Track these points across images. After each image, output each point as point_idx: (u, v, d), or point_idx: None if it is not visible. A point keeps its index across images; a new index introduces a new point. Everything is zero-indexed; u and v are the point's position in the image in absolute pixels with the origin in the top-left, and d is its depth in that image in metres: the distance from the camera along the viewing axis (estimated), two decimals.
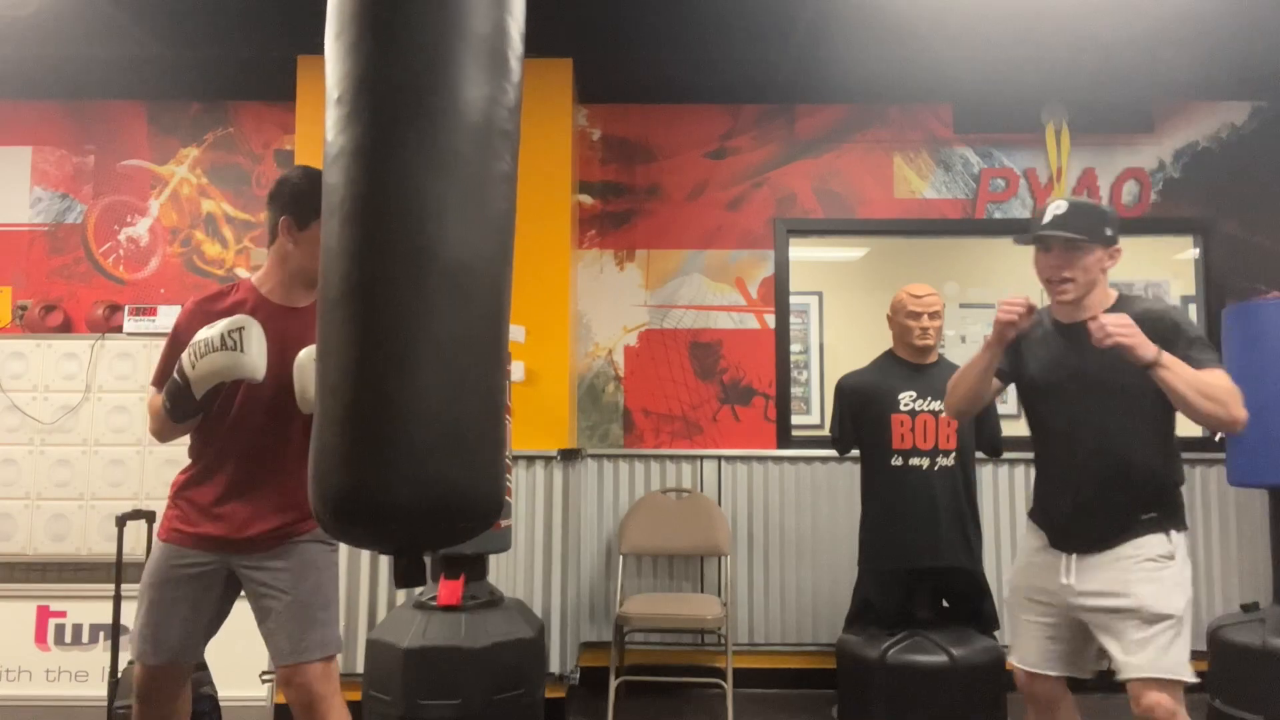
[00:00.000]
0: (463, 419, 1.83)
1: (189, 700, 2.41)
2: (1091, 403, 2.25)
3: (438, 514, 1.81)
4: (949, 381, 2.49)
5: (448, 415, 1.81)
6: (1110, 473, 2.23)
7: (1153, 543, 2.18)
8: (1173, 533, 2.20)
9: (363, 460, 1.77)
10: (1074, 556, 2.25)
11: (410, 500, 1.77)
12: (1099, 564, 2.21)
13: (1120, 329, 2.09)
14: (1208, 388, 2.09)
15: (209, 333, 2.13)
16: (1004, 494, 4.25)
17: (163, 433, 2.33)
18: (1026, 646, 2.35)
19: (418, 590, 3.61)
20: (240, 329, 2.12)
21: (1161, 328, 2.15)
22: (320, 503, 1.86)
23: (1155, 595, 2.13)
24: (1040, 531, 2.36)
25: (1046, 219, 2.26)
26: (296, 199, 2.28)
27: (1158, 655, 2.10)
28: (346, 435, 1.80)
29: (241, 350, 2.11)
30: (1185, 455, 2.37)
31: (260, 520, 2.26)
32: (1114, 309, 2.24)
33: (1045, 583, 2.30)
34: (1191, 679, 2.13)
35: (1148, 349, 2.09)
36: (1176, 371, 2.09)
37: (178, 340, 2.27)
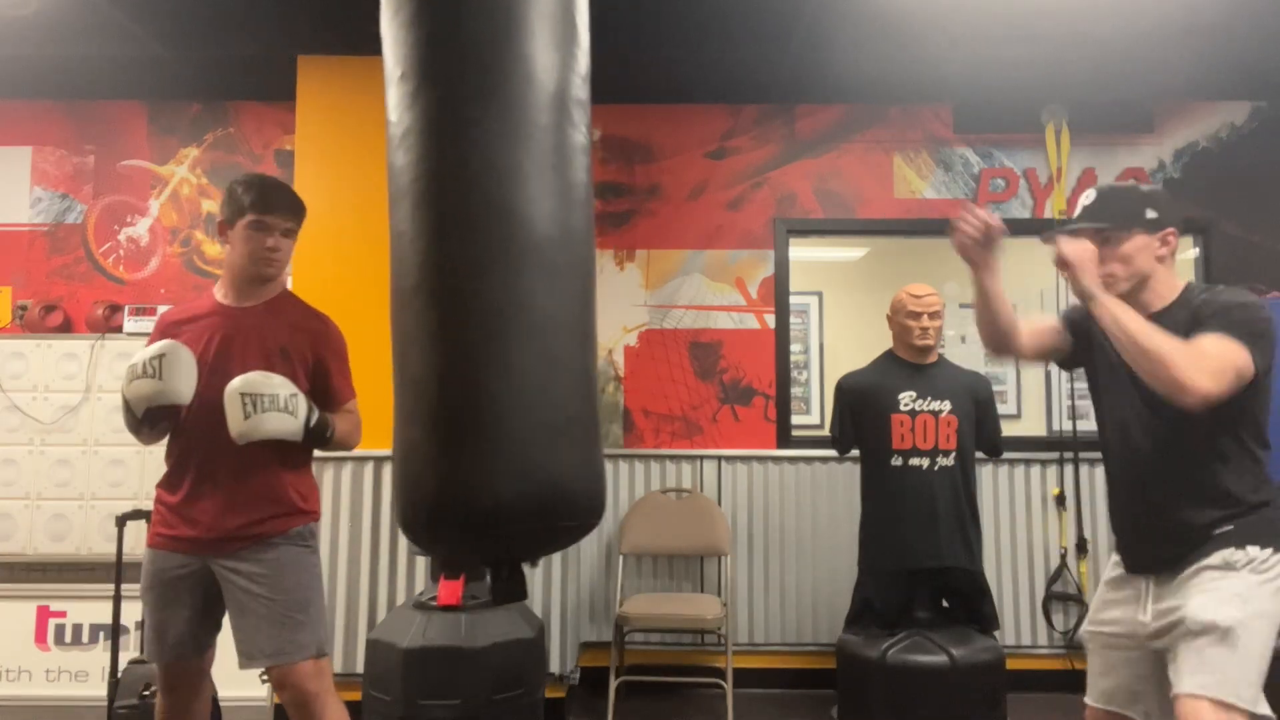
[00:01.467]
0: (561, 406, 1.67)
1: (209, 692, 2.47)
2: (1150, 403, 1.98)
3: (542, 514, 1.65)
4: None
5: (546, 403, 1.65)
6: (1172, 482, 1.98)
7: (1221, 555, 1.90)
8: (1250, 547, 1.89)
9: (458, 459, 1.60)
10: (1150, 584, 2.00)
11: (514, 500, 1.59)
12: (1170, 589, 1.95)
13: (1068, 248, 1.95)
14: (1151, 340, 1.84)
15: (137, 357, 2.21)
16: (1004, 494, 4.24)
17: (137, 438, 2.40)
18: (1091, 680, 2.11)
19: (418, 590, 3.60)
20: (161, 356, 2.19)
21: (1203, 310, 1.95)
22: (409, 509, 1.71)
23: (1203, 604, 1.86)
24: (1119, 558, 2.13)
25: (1076, 212, 2.11)
26: (225, 200, 2.37)
27: (1202, 669, 1.81)
28: (437, 432, 1.64)
29: (160, 378, 2.18)
30: None
31: (228, 517, 2.28)
32: (1177, 301, 2.03)
33: (1119, 614, 2.06)
34: (1253, 707, 1.80)
35: (1088, 278, 1.93)
36: (1113, 312, 1.89)
37: None
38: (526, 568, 1.88)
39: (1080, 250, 1.96)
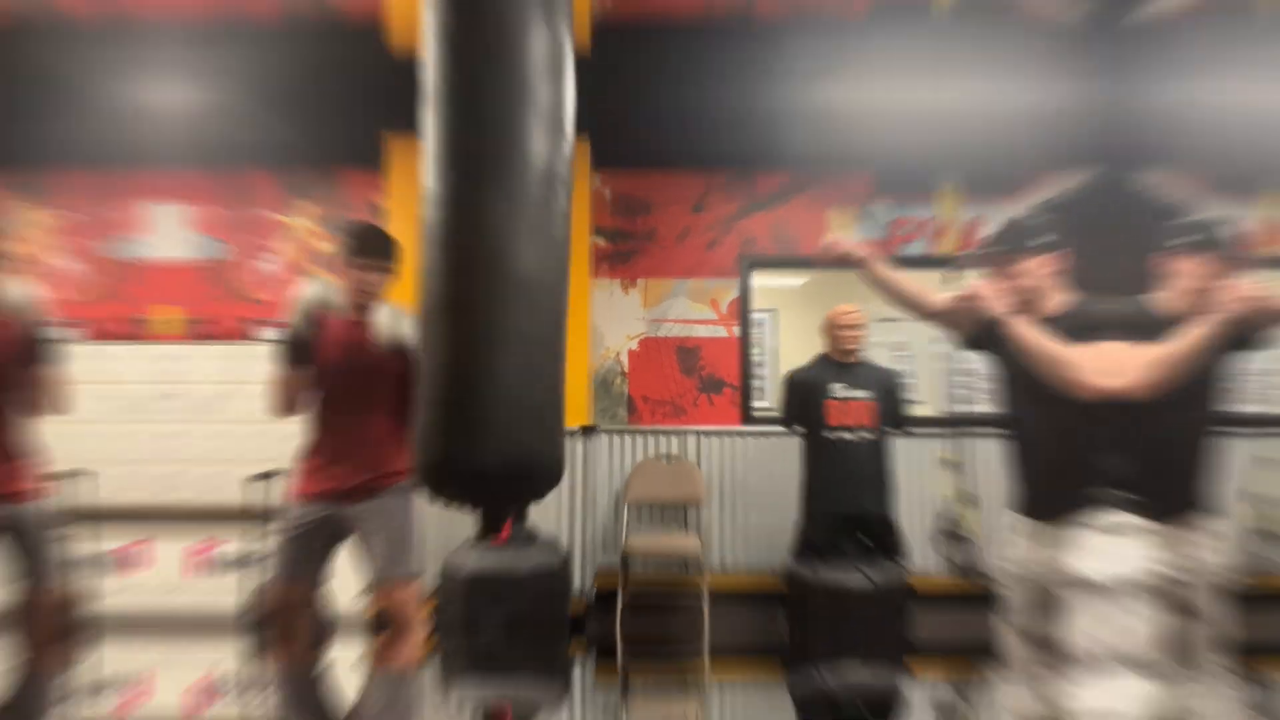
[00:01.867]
0: (534, 401, 1.81)
1: (318, 611, 2.53)
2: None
3: (517, 476, 1.80)
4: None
5: (523, 398, 1.80)
6: None
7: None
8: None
9: (457, 434, 1.83)
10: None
11: (496, 466, 1.76)
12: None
13: (842, 244, 1.84)
14: (899, 281, 1.80)
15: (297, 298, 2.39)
16: (914, 460, 4.24)
17: (280, 404, 2.39)
18: None
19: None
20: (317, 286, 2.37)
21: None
22: (422, 468, 1.82)
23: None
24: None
25: (978, 248, 2.21)
26: (338, 243, 2.52)
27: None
28: (443, 414, 1.84)
29: (321, 287, 2.32)
30: None
31: (354, 476, 2.40)
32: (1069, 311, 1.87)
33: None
34: None
35: (857, 247, 1.87)
36: (882, 274, 1.82)
37: None
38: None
39: (855, 244, 1.86)
